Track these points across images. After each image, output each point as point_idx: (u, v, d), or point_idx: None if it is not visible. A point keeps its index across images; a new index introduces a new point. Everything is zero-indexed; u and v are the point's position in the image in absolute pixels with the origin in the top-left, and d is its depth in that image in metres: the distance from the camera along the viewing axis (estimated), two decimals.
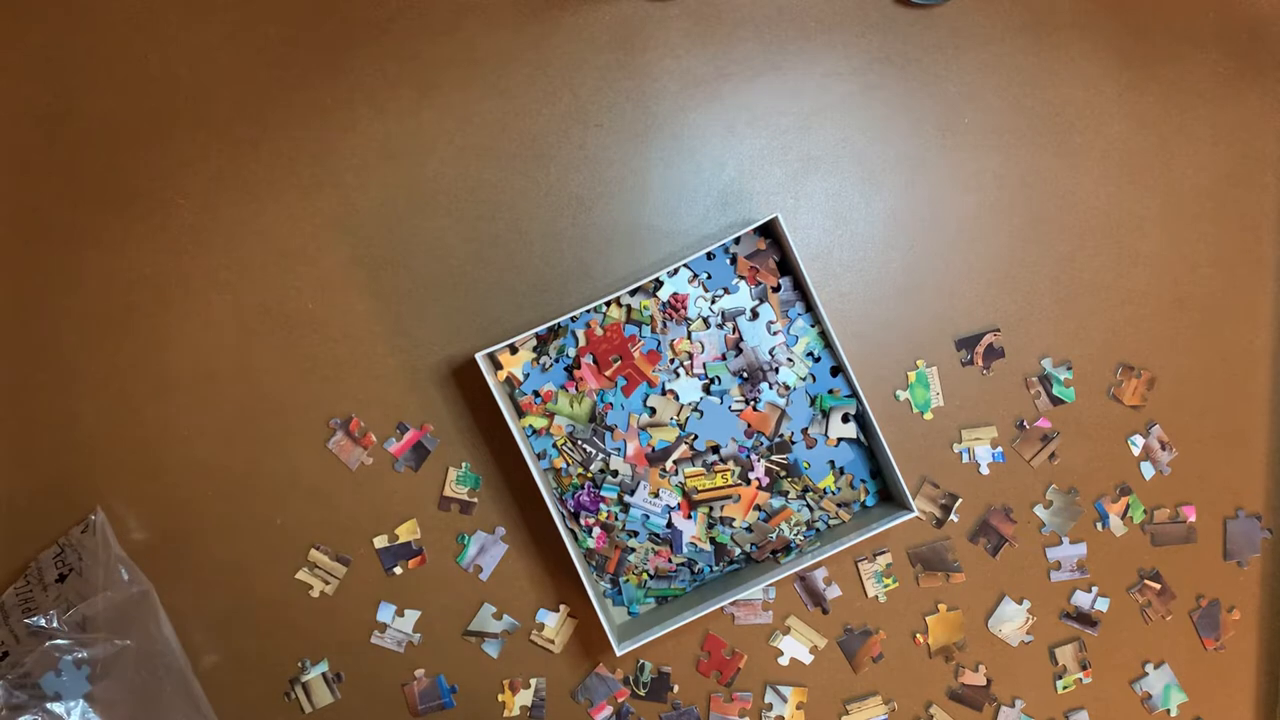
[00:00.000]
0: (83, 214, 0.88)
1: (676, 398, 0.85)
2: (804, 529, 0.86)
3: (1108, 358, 0.90)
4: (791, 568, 0.82)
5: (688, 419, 0.86)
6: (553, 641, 0.89)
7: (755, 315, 0.86)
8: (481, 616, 0.89)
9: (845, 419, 0.86)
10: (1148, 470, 0.91)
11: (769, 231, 0.86)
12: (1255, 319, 0.91)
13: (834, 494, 0.86)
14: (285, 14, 0.89)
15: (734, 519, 0.86)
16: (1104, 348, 0.90)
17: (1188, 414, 0.91)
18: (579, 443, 0.85)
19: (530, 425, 0.86)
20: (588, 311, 0.85)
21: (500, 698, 0.89)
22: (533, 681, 0.89)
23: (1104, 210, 0.90)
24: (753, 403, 0.86)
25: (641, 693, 0.89)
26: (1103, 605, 0.90)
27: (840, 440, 0.86)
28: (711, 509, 0.85)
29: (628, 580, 0.87)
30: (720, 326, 0.86)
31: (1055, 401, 0.90)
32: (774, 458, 0.85)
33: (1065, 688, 0.90)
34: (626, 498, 0.85)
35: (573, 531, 0.86)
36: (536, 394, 0.86)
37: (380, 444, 0.89)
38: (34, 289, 0.89)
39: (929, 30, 0.90)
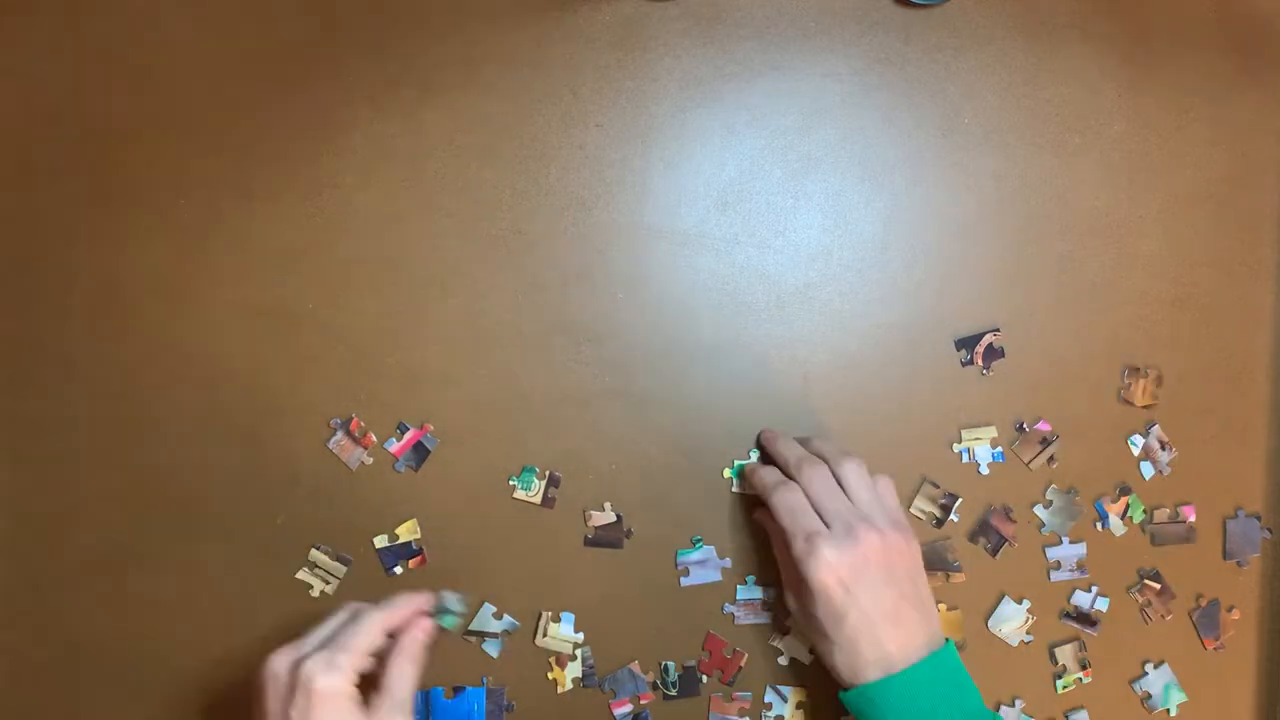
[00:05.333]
0: (83, 214, 0.88)
1: None
2: None
3: (1108, 358, 0.91)
4: None
5: None
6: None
7: None
8: (482, 616, 0.89)
9: None
10: (1148, 470, 0.91)
11: None
12: (1255, 319, 0.91)
13: None
14: (285, 14, 0.89)
15: None
16: (1104, 347, 0.90)
17: (1188, 414, 0.91)
18: None
19: None
20: None
21: (550, 676, 0.88)
22: (578, 653, 0.88)
23: (1104, 210, 0.91)
24: None
25: (673, 693, 0.89)
26: (1103, 605, 0.90)
27: None
28: None
29: None
30: None
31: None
32: None
33: (1065, 687, 0.90)
34: None
35: None
36: None
37: (380, 444, 0.89)
38: (33, 289, 0.89)
39: (929, 30, 0.90)
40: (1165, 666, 0.91)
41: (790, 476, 0.80)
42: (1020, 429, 0.90)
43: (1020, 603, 0.90)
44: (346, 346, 0.89)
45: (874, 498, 0.78)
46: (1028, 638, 0.90)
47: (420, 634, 0.73)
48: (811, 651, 0.89)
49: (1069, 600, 0.90)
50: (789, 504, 0.77)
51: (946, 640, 0.76)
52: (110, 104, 0.89)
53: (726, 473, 0.89)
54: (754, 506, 0.88)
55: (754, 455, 0.89)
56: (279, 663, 0.66)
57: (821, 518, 0.76)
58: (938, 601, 0.90)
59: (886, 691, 0.72)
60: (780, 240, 0.90)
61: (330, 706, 0.63)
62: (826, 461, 0.80)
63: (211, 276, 0.89)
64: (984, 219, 0.90)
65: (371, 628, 0.69)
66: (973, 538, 0.90)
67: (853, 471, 0.79)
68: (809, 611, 0.75)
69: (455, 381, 0.89)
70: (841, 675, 0.74)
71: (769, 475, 0.81)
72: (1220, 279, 0.91)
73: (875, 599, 0.73)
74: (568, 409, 0.89)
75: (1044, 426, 0.90)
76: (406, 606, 0.74)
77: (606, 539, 0.89)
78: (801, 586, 0.75)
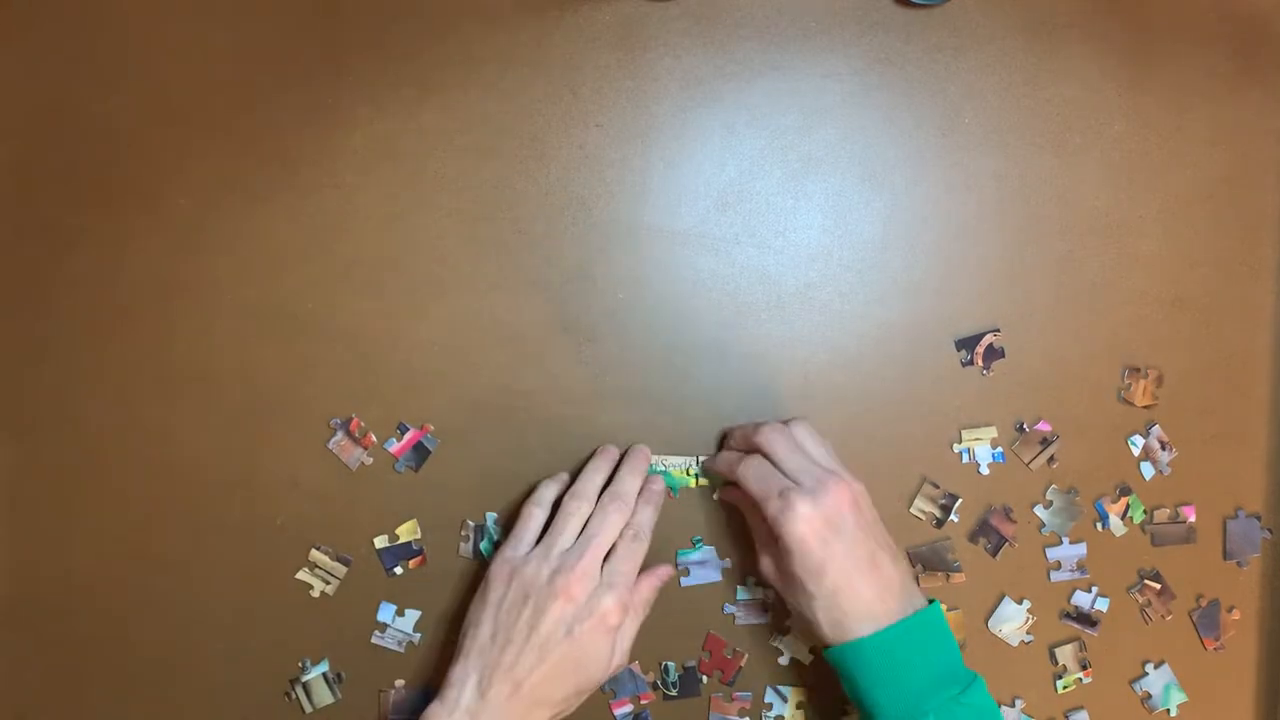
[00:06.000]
0: (83, 214, 0.88)
1: None
2: None
3: (1108, 358, 0.90)
4: None
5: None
6: None
7: None
8: None
9: None
10: (1148, 470, 0.91)
11: None
12: (1255, 319, 0.91)
13: None
14: (285, 14, 0.89)
15: None
16: (1104, 347, 0.90)
17: (1188, 414, 0.91)
18: None
19: None
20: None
21: None
22: None
23: (1104, 210, 0.90)
24: None
25: (673, 693, 0.89)
26: (1103, 605, 0.90)
27: None
28: None
29: None
30: None
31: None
32: None
33: (1065, 688, 0.90)
34: None
35: None
36: None
37: (380, 444, 0.89)
38: (33, 289, 0.89)
39: (929, 30, 0.90)
40: (1165, 666, 0.91)
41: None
42: (1020, 429, 0.90)
43: (1020, 603, 0.90)
44: (346, 346, 0.89)
45: (831, 453, 0.80)
46: (1028, 638, 0.90)
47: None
48: (804, 641, 0.89)
49: (1069, 600, 0.90)
50: (756, 472, 0.79)
51: (931, 600, 0.77)
52: (110, 104, 0.89)
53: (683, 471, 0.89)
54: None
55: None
56: (577, 587, 0.75)
57: (789, 477, 0.77)
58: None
59: (869, 648, 0.73)
60: (780, 240, 0.90)
61: (610, 640, 0.76)
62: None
63: (211, 276, 0.89)
64: (984, 219, 0.90)
65: (639, 558, 0.80)
66: (973, 538, 0.90)
67: (805, 432, 0.80)
68: (787, 571, 0.76)
69: (455, 381, 0.89)
70: (825, 631, 0.75)
71: (731, 455, 0.83)
72: (1220, 279, 0.91)
73: (851, 547, 0.74)
74: (568, 409, 0.89)
75: (1044, 426, 0.90)
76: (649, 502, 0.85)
77: None
78: (778, 549, 0.77)
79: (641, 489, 0.84)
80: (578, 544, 0.78)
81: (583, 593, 0.74)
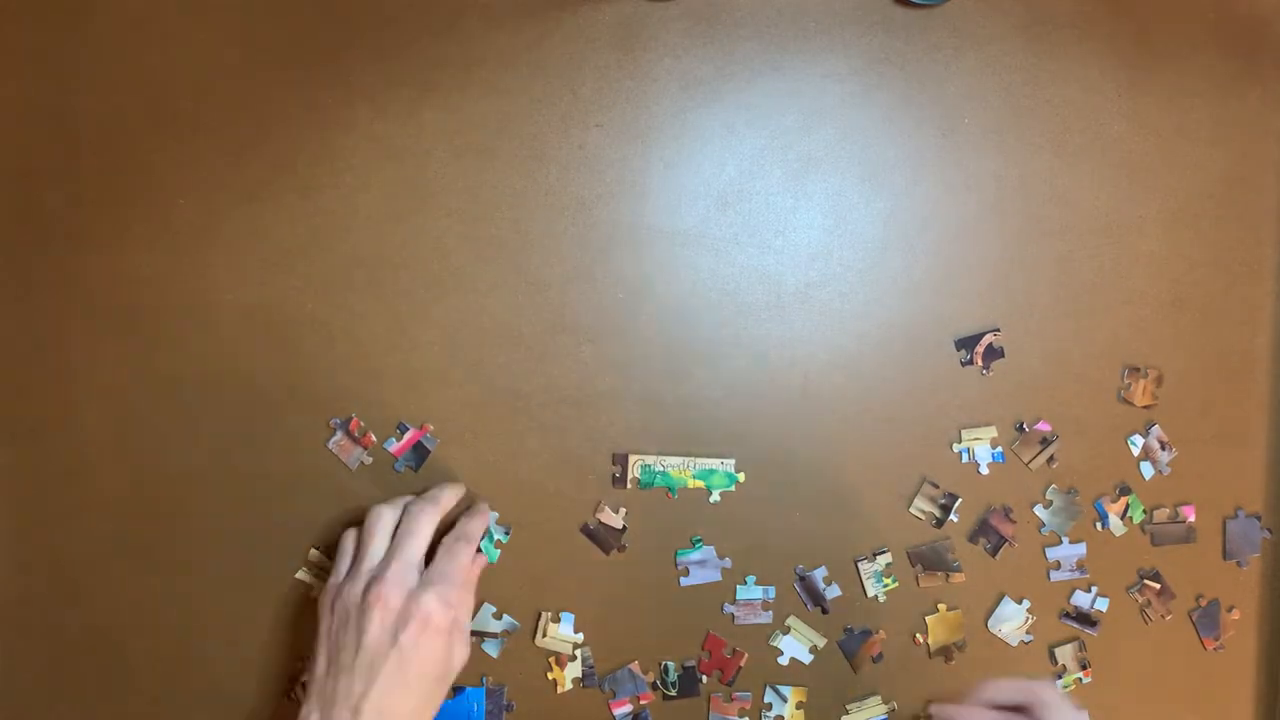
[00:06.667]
0: (83, 214, 0.88)
1: None
2: None
3: (1108, 358, 0.91)
4: None
5: None
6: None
7: None
8: (481, 617, 0.89)
9: None
10: (1147, 470, 0.91)
11: None
12: (1255, 319, 0.91)
13: None
14: (285, 14, 0.89)
15: None
16: (1104, 347, 0.90)
17: (1188, 414, 0.91)
18: None
19: None
20: None
21: (550, 676, 0.89)
22: (578, 653, 0.88)
23: (1104, 210, 0.91)
24: None
25: (672, 693, 0.89)
26: (1102, 605, 0.90)
27: None
28: None
29: None
30: None
31: None
32: None
33: (1065, 687, 0.90)
34: None
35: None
36: None
37: (380, 444, 0.89)
38: (33, 289, 0.89)
39: (929, 30, 0.90)
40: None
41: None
42: (1020, 429, 0.90)
43: (1020, 603, 0.90)
44: (346, 346, 0.89)
45: None
46: (1028, 638, 0.90)
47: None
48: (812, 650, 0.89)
49: (1069, 600, 0.90)
50: None
51: None
52: (110, 104, 0.89)
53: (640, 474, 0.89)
54: (752, 502, 0.88)
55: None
56: (391, 593, 0.72)
57: None
58: (938, 601, 0.90)
59: None
60: (780, 240, 0.90)
61: (442, 638, 0.72)
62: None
63: (211, 277, 0.89)
64: (983, 219, 0.90)
65: (464, 558, 0.78)
66: (973, 538, 0.90)
67: None
68: None
69: (455, 381, 0.89)
70: None
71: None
72: (1220, 279, 0.91)
73: None
74: (568, 409, 0.89)
75: (1044, 426, 0.90)
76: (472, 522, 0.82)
77: (607, 539, 0.89)
78: None
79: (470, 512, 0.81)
80: (388, 552, 0.75)
81: (399, 598, 0.72)
